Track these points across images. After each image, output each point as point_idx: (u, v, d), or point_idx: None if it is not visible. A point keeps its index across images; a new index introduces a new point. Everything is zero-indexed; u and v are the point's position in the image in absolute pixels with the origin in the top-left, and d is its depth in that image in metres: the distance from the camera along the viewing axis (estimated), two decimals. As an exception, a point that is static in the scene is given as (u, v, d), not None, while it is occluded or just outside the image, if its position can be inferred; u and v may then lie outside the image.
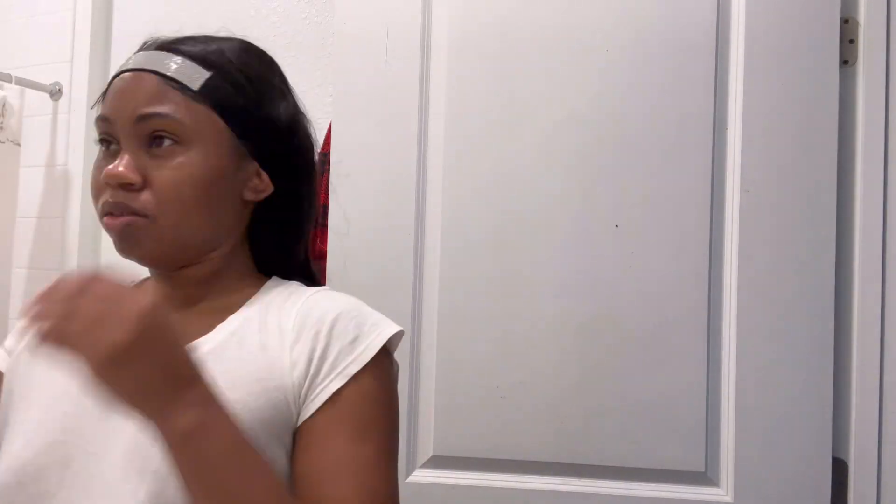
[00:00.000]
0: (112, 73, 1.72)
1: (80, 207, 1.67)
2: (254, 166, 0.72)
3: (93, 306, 0.49)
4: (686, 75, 1.20)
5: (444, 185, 1.25)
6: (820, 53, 1.18)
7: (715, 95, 1.20)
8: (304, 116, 0.78)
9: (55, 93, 1.74)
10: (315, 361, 0.66)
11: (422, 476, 1.22)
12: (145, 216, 0.66)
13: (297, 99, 0.78)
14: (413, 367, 1.23)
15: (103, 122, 0.69)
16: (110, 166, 0.66)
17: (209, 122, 0.68)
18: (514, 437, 1.21)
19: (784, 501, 1.15)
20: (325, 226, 1.31)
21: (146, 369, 0.51)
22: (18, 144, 1.77)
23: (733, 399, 1.17)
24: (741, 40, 1.20)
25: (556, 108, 1.22)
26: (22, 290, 1.71)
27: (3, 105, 1.72)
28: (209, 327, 0.70)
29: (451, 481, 1.21)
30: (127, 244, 0.68)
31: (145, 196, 0.66)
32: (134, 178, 0.65)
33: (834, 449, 1.16)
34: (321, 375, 0.66)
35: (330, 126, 1.30)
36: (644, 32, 1.21)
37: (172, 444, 0.53)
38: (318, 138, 0.81)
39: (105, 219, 0.68)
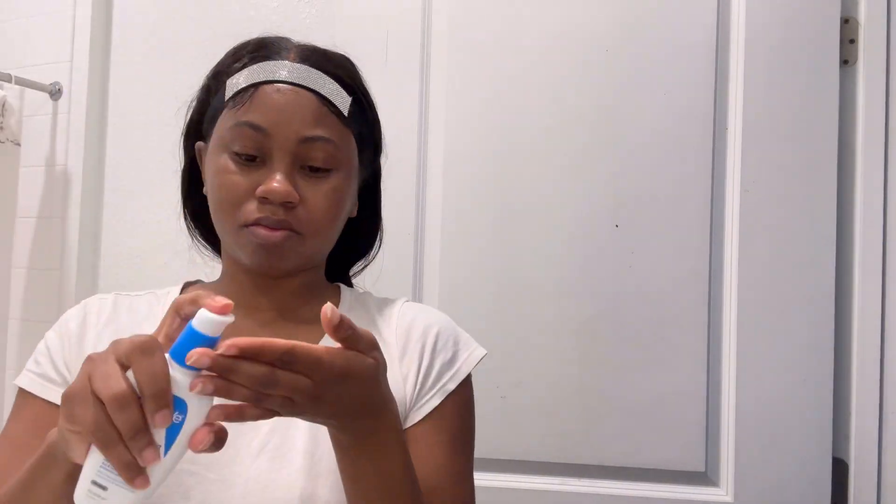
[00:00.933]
0: (112, 73, 1.70)
1: (80, 207, 1.66)
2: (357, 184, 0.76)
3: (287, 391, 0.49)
4: (686, 75, 1.20)
5: (444, 185, 1.25)
6: (820, 53, 1.18)
7: (715, 95, 1.20)
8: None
9: (55, 93, 1.74)
10: (421, 376, 0.71)
11: (422, 476, 1.22)
12: (299, 233, 0.68)
13: None
14: (413, 367, 1.23)
15: (257, 132, 0.67)
16: (275, 184, 0.66)
17: (351, 149, 0.71)
18: (514, 437, 1.21)
19: (784, 501, 1.15)
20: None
21: (355, 407, 0.54)
22: (18, 144, 1.77)
23: (733, 399, 1.17)
24: (741, 40, 1.20)
25: (556, 107, 1.22)
26: (22, 290, 1.71)
27: (3, 105, 1.72)
28: (315, 342, 0.70)
29: (451, 481, 1.21)
30: (276, 257, 0.68)
31: (302, 214, 0.68)
32: (296, 198, 0.67)
33: (834, 449, 1.16)
34: (425, 389, 0.71)
35: (330, 126, 1.31)
36: (644, 32, 1.21)
37: (348, 445, 0.57)
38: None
39: (258, 229, 0.67)
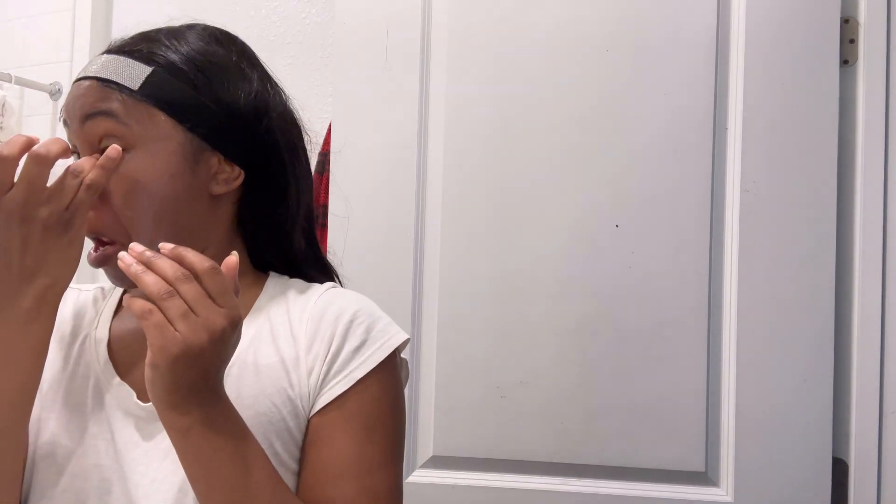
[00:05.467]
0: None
1: (80, 207, 1.67)
2: (216, 157, 0.68)
3: (192, 297, 0.54)
4: (686, 75, 1.20)
5: (444, 185, 1.25)
6: (820, 53, 1.18)
7: (715, 95, 1.20)
8: (280, 94, 0.74)
9: (55, 93, 1.74)
10: (327, 363, 0.68)
11: (422, 476, 1.22)
12: (114, 243, 0.65)
13: (269, 78, 0.74)
14: (413, 367, 1.23)
15: (66, 128, 0.68)
16: None
17: (153, 122, 0.65)
18: (514, 437, 1.21)
19: (784, 501, 1.15)
20: (324, 226, 1.31)
21: (192, 375, 0.55)
22: (18, 144, 1.77)
23: (733, 399, 1.17)
24: (741, 40, 1.20)
25: (556, 107, 1.22)
26: (22, 290, 1.71)
27: (3, 105, 1.72)
28: None
29: (451, 481, 1.21)
30: (111, 277, 0.67)
31: (107, 217, 0.65)
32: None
33: (834, 449, 1.16)
34: (329, 376, 0.67)
35: (330, 126, 1.30)
36: (644, 32, 1.21)
37: (172, 436, 0.57)
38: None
39: (89, 253, 0.66)
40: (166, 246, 0.56)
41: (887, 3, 1.19)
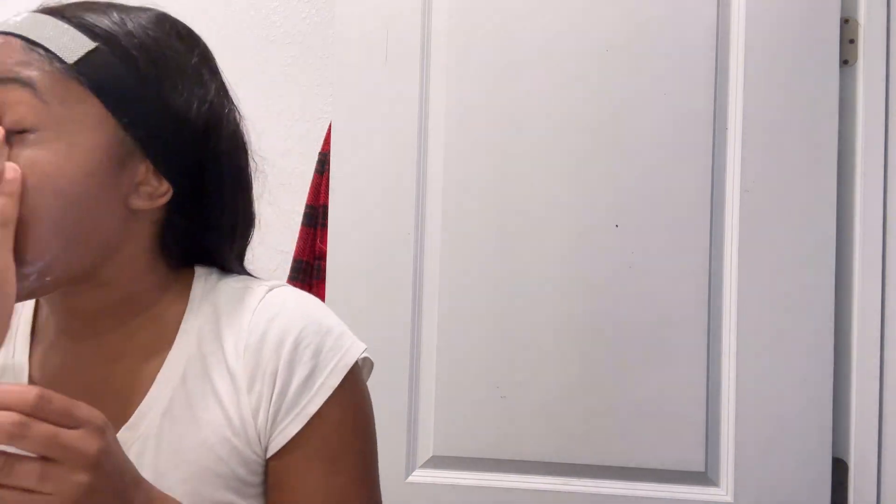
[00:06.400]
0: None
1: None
2: (145, 166, 0.58)
3: (42, 449, 0.43)
4: (686, 75, 1.20)
5: (444, 185, 1.25)
6: (820, 53, 1.18)
7: (715, 95, 1.20)
8: (235, 113, 0.65)
9: (55, 93, 1.73)
10: (274, 403, 0.60)
11: (422, 476, 1.22)
12: None
13: (227, 92, 0.65)
14: (413, 367, 1.23)
15: None
16: None
17: (81, 106, 0.54)
18: (514, 437, 1.21)
19: (784, 501, 1.15)
20: (324, 226, 1.31)
21: (107, 499, 0.47)
22: (18, 144, 1.77)
23: (733, 399, 1.17)
24: (741, 40, 1.20)
25: (556, 107, 1.22)
26: (22, 290, 1.71)
27: (3, 105, 1.72)
28: (147, 377, 0.61)
29: (451, 481, 1.21)
30: None
31: None
32: None
33: (834, 449, 1.16)
34: (280, 416, 0.60)
35: (330, 126, 1.30)
36: (644, 33, 1.21)
37: None
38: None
39: None
40: None
41: (887, 3, 1.19)
